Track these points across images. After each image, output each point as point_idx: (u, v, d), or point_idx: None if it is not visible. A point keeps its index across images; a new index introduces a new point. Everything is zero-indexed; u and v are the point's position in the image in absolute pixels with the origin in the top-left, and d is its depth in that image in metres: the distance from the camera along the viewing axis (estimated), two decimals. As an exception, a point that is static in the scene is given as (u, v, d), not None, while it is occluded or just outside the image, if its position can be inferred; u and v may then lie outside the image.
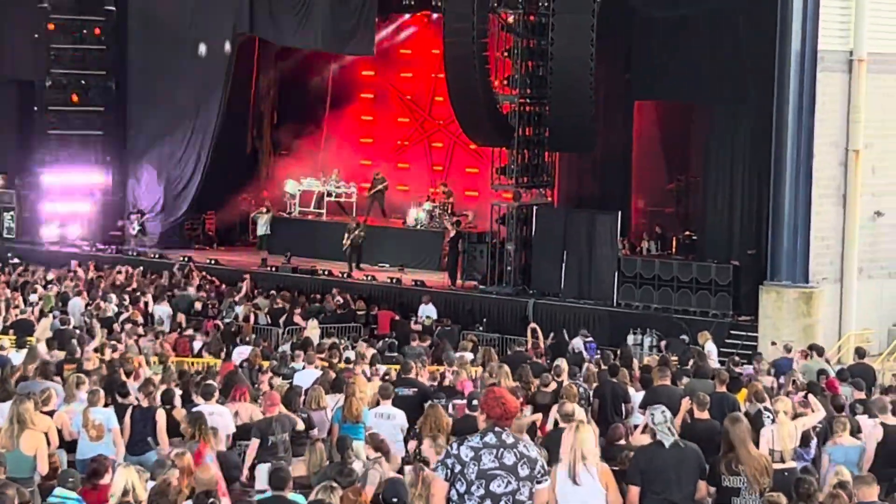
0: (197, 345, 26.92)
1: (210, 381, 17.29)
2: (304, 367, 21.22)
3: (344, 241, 37.15)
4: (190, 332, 28.40)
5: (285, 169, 42.42)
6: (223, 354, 24.79)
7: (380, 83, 43.22)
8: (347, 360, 22.76)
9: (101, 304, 29.79)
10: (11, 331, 26.27)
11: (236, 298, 33.31)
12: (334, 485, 11.65)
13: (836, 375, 21.39)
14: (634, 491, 11.65)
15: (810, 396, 17.59)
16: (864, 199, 31.31)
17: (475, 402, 15.31)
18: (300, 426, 16.05)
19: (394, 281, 35.72)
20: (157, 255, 39.51)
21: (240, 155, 43.28)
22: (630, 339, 31.28)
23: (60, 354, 21.14)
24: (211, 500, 11.19)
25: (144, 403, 16.11)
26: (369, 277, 36.31)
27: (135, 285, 34.24)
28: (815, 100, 30.49)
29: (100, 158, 42.66)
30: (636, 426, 17.05)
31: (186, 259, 38.32)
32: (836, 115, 31.04)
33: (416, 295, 34.19)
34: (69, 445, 15.77)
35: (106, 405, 16.18)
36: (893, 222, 32.00)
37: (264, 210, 40.88)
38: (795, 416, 15.89)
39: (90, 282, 34.48)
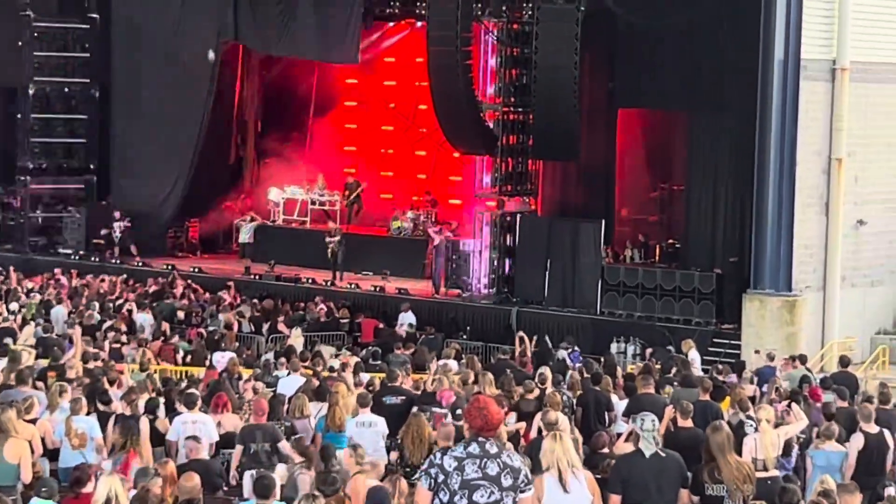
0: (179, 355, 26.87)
1: (193, 390, 17.27)
2: (288, 374, 21.20)
3: (333, 248, 36.84)
4: (175, 339, 28.34)
5: (269, 177, 42.35)
6: (207, 362, 24.74)
7: (364, 91, 43.15)
8: (332, 369, 22.74)
9: (84, 312, 29.70)
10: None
11: (220, 306, 33.26)
12: (317, 493, 11.65)
13: (820, 384, 21.45)
14: (615, 500, 11.68)
15: (793, 405, 17.63)
16: (846, 208, 31.38)
17: (458, 411, 15.33)
18: (282, 443, 15.61)
19: (377, 289, 35.69)
20: (140, 263, 39.40)
21: (224, 163, 43.21)
22: (613, 347, 31.27)
23: (43, 362, 21.08)
24: (194, 508, 11.19)
25: (127, 412, 16.09)
26: (353, 286, 36.26)
27: (118, 293, 34.16)
28: (797, 108, 30.52)
29: (83, 166, 42.59)
30: (619, 434, 17.06)
31: (170, 267, 38.24)
32: (819, 124, 31.12)
33: (399, 303, 34.14)
34: (52, 454, 15.74)
35: (88, 413, 16.15)
36: (876, 231, 32.09)
37: (248, 218, 40.83)
38: (778, 425, 15.94)
39: (74, 289, 34.39)
